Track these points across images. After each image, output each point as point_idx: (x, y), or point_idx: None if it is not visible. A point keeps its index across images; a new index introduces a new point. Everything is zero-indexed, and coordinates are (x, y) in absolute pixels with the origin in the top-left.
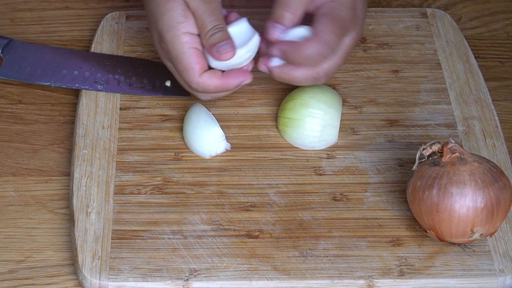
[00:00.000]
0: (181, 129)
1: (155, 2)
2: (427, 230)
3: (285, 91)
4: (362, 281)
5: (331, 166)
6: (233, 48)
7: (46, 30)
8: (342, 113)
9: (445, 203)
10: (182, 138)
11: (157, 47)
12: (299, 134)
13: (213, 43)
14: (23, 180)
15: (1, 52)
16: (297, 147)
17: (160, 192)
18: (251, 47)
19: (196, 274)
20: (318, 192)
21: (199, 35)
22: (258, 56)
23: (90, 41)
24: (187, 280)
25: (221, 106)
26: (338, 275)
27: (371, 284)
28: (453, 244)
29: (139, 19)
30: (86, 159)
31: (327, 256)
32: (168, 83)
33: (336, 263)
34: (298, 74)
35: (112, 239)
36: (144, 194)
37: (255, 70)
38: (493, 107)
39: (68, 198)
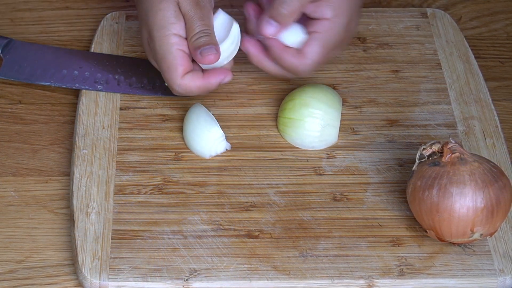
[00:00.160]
0: (181, 129)
1: (148, 0)
2: (427, 230)
3: (285, 91)
4: (362, 281)
5: (331, 166)
6: (217, 52)
7: (46, 30)
8: (342, 113)
9: (445, 203)
10: (182, 138)
11: (145, 45)
12: (299, 134)
13: (198, 45)
14: (23, 180)
15: (1, 52)
16: (297, 147)
17: (160, 192)
18: (233, 38)
19: (196, 274)
20: (318, 192)
21: (186, 38)
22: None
23: (90, 41)
24: (187, 280)
25: (221, 106)
26: (338, 275)
27: (371, 284)
28: (453, 244)
29: None
30: (86, 159)
31: (327, 256)
32: None
33: (336, 263)
34: (271, 69)
35: (112, 239)
36: (144, 194)
37: (255, 70)
38: (493, 107)
39: (68, 198)
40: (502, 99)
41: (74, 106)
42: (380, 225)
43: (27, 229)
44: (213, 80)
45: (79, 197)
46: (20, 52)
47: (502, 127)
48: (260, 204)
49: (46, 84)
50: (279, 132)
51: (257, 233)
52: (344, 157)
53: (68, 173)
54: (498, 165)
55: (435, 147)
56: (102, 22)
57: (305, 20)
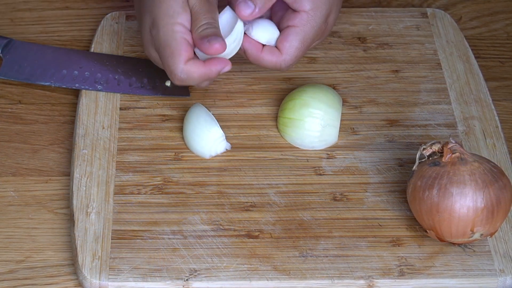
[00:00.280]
0: (181, 129)
1: None
2: (427, 230)
3: (285, 91)
4: (362, 281)
5: (331, 166)
6: (223, 43)
7: (46, 30)
8: (342, 113)
9: (445, 203)
10: (182, 138)
11: (145, 34)
12: (299, 134)
13: (205, 35)
14: (23, 180)
15: (1, 52)
16: (297, 147)
17: (160, 192)
18: (236, 35)
19: (196, 274)
20: (318, 192)
21: (191, 30)
22: None
23: (90, 41)
24: (187, 280)
25: (221, 106)
26: (338, 275)
27: (371, 284)
28: (453, 244)
29: None
30: (86, 159)
31: (327, 256)
32: (168, 83)
33: (336, 263)
34: (269, 65)
35: (112, 239)
36: (144, 194)
37: (255, 70)
38: (493, 107)
39: (68, 198)
40: (502, 99)
41: (74, 106)
42: (380, 225)
43: (27, 229)
44: (214, 68)
45: (79, 197)
46: (20, 52)
47: (502, 127)
48: (260, 204)
49: (46, 84)
50: (279, 132)
51: (257, 233)
52: (344, 157)
53: (68, 173)
54: (498, 165)
55: (435, 147)
56: (102, 22)
57: (282, 14)
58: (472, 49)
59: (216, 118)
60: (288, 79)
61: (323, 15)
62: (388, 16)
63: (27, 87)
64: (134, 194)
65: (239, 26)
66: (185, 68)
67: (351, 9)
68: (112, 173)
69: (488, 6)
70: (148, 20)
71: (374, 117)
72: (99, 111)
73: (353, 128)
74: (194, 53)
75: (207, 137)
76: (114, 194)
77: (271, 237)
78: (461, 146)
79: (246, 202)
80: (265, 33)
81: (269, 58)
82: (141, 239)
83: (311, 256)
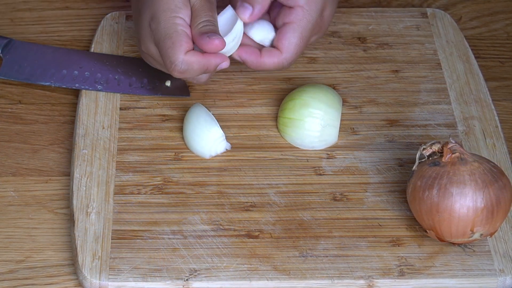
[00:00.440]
0: (181, 129)
1: None
2: (427, 230)
3: (285, 91)
4: (362, 281)
5: (331, 166)
6: (222, 40)
7: (46, 30)
8: (342, 113)
9: (445, 203)
10: (182, 138)
11: (144, 29)
12: (299, 134)
13: (204, 31)
14: (23, 180)
15: (1, 52)
16: (297, 147)
17: (160, 192)
18: (235, 34)
19: (196, 274)
20: (318, 192)
21: (190, 26)
22: None
23: (90, 41)
24: (187, 280)
25: (221, 106)
26: (338, 275)
27: (371, 284)
28: (453, 244)
29: None
30: (86, 159)
31: (327, 256)
32: (168, 83)
33: (336, 263)
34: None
35: (112, 239)
36: (144, 194)
37: (256, 70)
38: (493, 107)
39: (68, 198)
40: (502, 99)
41: (74, 106)
42: (380, 225)
43: (27, 229)
44: (213, 60)
45: (79, 197)
46: (20, 52)
47: (502, 127)
48: (260, 204)
49: (46, 84)
50: (279, 132)
51: (257, 233)
52: (344, 157)
53: (68, 173)
54: (498, 165)
55: (435, 147)
56: (102, 22)
57: (277, 12)
58: (472, 49)
59: (216, 118)
60: (288, 79)
61: (318, 9)
62: (388, 16)
63: (27, 87)
64: (134, 194)
65: (239, 25)
66: (185, 58)
67: (351, 9)
68: (112, 173)
69: (488, 6)
70: (147, 15)
71: (374, 117)
72: (99, 111)
73: (353, 128)
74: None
75: (207, 137)
76: (114, 194)
77: (271, 237)
78: (461, 146)
79: (246, 202)
80: (263, 32)
81: (270, 61)
82: (141, 239)
83: (311, 256)
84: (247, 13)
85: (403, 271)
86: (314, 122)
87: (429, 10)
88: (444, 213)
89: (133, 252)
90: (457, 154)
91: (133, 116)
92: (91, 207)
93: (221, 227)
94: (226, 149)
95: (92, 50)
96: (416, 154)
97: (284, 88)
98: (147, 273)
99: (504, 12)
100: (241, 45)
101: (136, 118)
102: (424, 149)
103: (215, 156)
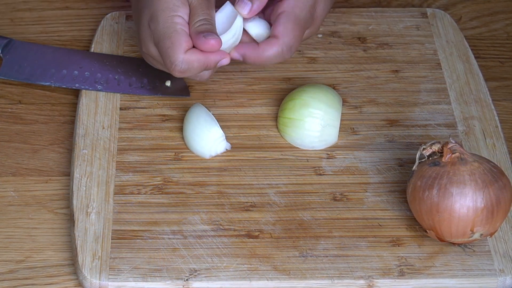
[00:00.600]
0: (181, 129)
1: None
2: (427, 230)
3: (285, 91)
4: (362, 281)
5: (331, 166)
6: (219, 40)
7: (46, 30)
8: (342, 113)
9: (445, 203)
10: (182, 138)
11: (143, 30)
12: (299, 134)
13: (201, 30)
14: (23, 180)
15: (1, 52)
16: (297, 147)
17: (160, 192)
18: (235, 31)
19: (196, 274)
20: (318, 192)
21: (188, 24)
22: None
23: (90, 41)
24: (187, 280)
25: (221, 106)
26: (338, 275)
27: (371, 284)
28: (453, 244)
29: None
30: (86, 159)
31: (327, 256)
32: (168, 83)
33: (336, 263)
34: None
35: (112, 239)
36: (144, 194)
37: (255, 70)
38: (493, 107)
39: (68, 198)
40: (502, 99)
41: (74, 106)
42: (380, 225)
43: (27, 229)
44: (213, 57)
45: (79, 197)
46: (20, 52)
47: (502, 127)
48: (260, 204)
49: (46, 84)
50: (279, 132)
51: (257, 233)
52: (344, 157)
53: (68, 173)
54: (498, 165)
55: (435, 147)
56: (102, 22)
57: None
58: (472, 49)
59: (216, 118)
60: (288, 79)
61: (310, 0)
62: (388, 16)
63: (27, 87)
64: (134, 194)
65: (239, 22)
66: (185, 58)
67: (351, 9)
68: (112, 173)
69: (488, 6)
70: (146, 15)
71: (374, 117)
72: (99, 111)
73: (353, 128)
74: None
75: (207, 137)
76: (114, 194)
77: (271, 237)
78: (461, 146)
79: (246, 202)
80: (259, 27)
81: (269, 50)
82: (141, 239)
83: (311, 256)
84: (246, 8)
85: (403, 271)
86: (314, 122)
87: (429, 10)
88: (444, 213)
89: (133, 252)
90: (457, 154)
91: (133, 116)
92: (91, 207)
93: (221, 227)
94: (226, 149)
95: (92, 50)
96: (416, 154)
97: (284, 88)
98: (147, 273)
99: (504, 12)
100: (239, 43)
101: (136, 118)
102: (424, 149)
103: (215, 156)
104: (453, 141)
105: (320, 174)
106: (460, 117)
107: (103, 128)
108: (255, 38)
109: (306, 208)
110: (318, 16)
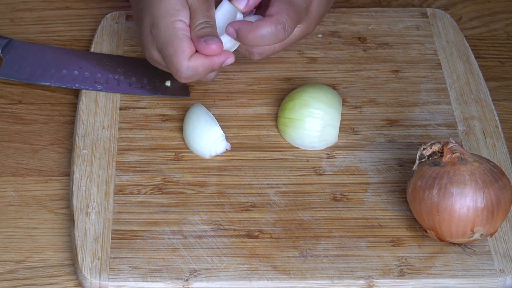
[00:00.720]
0: (181, 129)
1: None
2: (427, 230)
3: (285, 91)
4: (362, 281)
5: (331, 166)
6: (220, 43)
7: (46, 30)
8: (342, 113)
9: (445, 203)
10: (182, 138)
11: (146, 36)
12: (299, 134)
13: (202, 34)
14: (23, 180)
15: (1, 52)
16: (297, 147)
17: (160, 192)
18: None
19: (196, 274)
20: (318, 192)
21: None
22: None
23: (90, 41)
24: (187, 280)
25: (221, 106)
26: (338, 275)
27: (371, 284)
28: (453, 244)
29: None
30: (86, 159)
31: (327, 256)
32: (168, 83)
33: (336, 263)
34: (270, 39)
35: (112, 239)
36: (144, 194)
37: (255, 70)
38: (493, 107)
39: (68, 198)
40: (502, 99)
41: (74, 106)
42: (380, 225)
43: (27, 229)
44: (217, 60)
45: (79, 197)
46: (20, 52)
47: (502, 127)
48: (260, 204)
49: (46, 84)
50: (279, 132)
51: (257, 233)
52: (344, 157)
53: (68, 173)
54: (499, 165)
55: (435, 147)
56: (102, 22)
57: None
58: (472, 49)
59: (216, 118)
60: (288, 79)
61: None
62: (388, 16)
63: (27, 87)
64: (134, 194)
65: (240, 18)
66: (189, 64)
67: (351, 9)
68: (112, 173)
69: (488, 6)
70: (147, 20)
71: (374, 117)
72: (99, 111)
73: (353, 128)
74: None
75: (207, 137)
76: (114, 194)
77: (271, 237)
78: (461, 146)
79: (246, 202)
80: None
81: (263, 27)
82: (141, 239)
83: (311, 256)
84: (243, 2)
85: (403, 271)
86: (314, 122)
87: (429, 10)
88: (444, 213)
89: (133, 252)
90: (457, 154)
91: (133, 116)
92: (91, 207)
93: (221, 227)
94: (226, 149)
95: (92, 50)
96: (416, 154)
97: (284, 88)
98: (147, 273)
99: (504, 12)
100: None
101: (136, 118)
102: (424, 149)
103: (215, 156)
104: (453, 141)
105: (320, 174)
106: (460, 117)
107: (103, 128)
108: None
109: (306, 208)
110: (313, 12)
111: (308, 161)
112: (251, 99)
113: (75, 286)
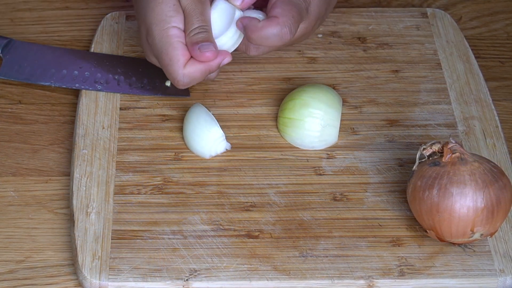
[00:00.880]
0: (181, 129)
1: None
2: (427, 230)
3: (285, 91)
4: (362, 281)
5: (331, 166)
6: (215, 50)
7: (46, 30)
8: (342, 113)
9: (445, 203)
10: (182, 138)
11: (144, 42)
12: (299, 134)
13: (196, 41)
14: (23, 180)
15: (1, 52)
16: (297, 147)
17: (160, 192)
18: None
19: (196, 274)
20: (318, 192)
21: (184, 32)
22: None
23: (90, 41)
24: (187, 280)
25: (221, 106)
26: (338, 275)
27: (371, 284)
28: (453, 244)
29: None
30: (86, 159)
31: (327, 256)
32: (168, 83)
33: (336, 263)
34: (275, 38)
35: (112, 239)
36: (144, 194)
37: (255, 70)
38: (493, 107)
39: (68, 198)
40: (502, 99)
41: (74, 106)
42: (380, 225)
43: (27, 229)
44: (213, 63)
45: (79, 197)
46: (20, 52)
47: (502, 127)
48: (260, 204)
49: (46, 84)
50: (279, 132)
51: (257, 233)
52: (344, 157)
53: (68, 173)
54: (499, 165)
55: (436, 147)
56: (102, 22)
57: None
58: (472, 49)
59: (216, 118)
60: (288, 79)
61: None
62: (388, 16)
63: (27, 87)
64: (134, 194)
65: (238, 15)
66: (185, 72)
67: (351, 9)
68: (112, 173)
69: (488, 6)
70: (143, 29)
71: (374, 117)
72: (99, 111)
73: (353, 128)
74: None
75: (207, 137)
76: (114, 194)
77: (271, 237)
78: (461, 146)
79: (246, 202)
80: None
81: (269, 27)
82: (141, 239)
83: (311, 256)
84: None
85: (403, 271)
86: (314, 122)
87: (429, 10)
88: (444, 213)
89: (133, 252)
90: (457, 154)
91: (133, 116)
92: (91, 207)
93: (221, 227)
94: (226, 149)
95: (92, 50)
96: (416, 154)
97: (284, 88)
98: (147, 273)
99: (504, 12)
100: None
101: (136, 118)
102: (424, 149)
103: (215, 156)
104: (453, 141)
105: (320, 174)
106: (460, 117)
107: (103, 128)
108: None
109: (306, 208)
110: (312, 12)
111: (308, 161)
112: (251, 99)
113: (75, 286)
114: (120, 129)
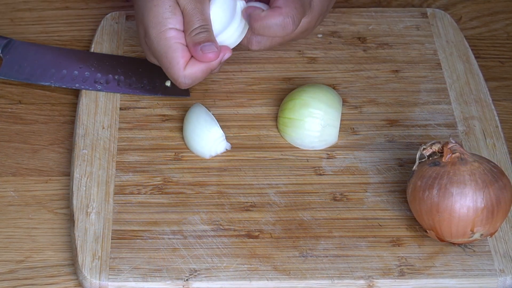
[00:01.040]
0: (181, 129)
1: None
2: (427, 230)
3: (285, 91)
4: (362, 281)
5: (331, 166)
6: (217, 49)
7: (46, 30)
8: (342, 113)
9: (445, 203)
10: (182, 138)
11: (142, 44)
12: (299, 134)
13: (197, 41)
14: (23, 180)
15: (1, 52)
16: (297, 147)
17: (160, 192)
18: (240, 17)
19: (196, 274)
20: (318, 192)
21: (184, 32)
22: None
23: (90, 41)
24: (187, 280)
25: (221, 106)
26: (338, 275)
27: (371, 284)
28: (453, 244)
29: None
30: (86, 159)
31: (327, 256)
32: (168, 83)
33: (336, 263)
34: (278, 29)
35: (112, 239)
36: (144, 194)
37: (255, 70)
38: (493, 107)
39: (68, 198)
40: (502, 99)
41: (74, 106)
42: (380, 225)
43: (27, 229)
44: (214, 61)
45: (79, 197)
46: (20, 52)
47: (502, 127)
48: (260, 204)
49: (46, 84)
50: (279, 132)
51: (257, 233)
52: (344, 157)
53: (68, 173)
54: (498, 165)
55: (435, 147)
56: (102, 22)
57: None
58: (472, 49)
59: (216, 118)
60: (288, 79)
61: None
62: (388, 16)
63: (27, 87)
64: (134, 194)
65: (243, 6)
66: (186, 74)
67: (351, 9)
68: (112, 173)
69: (488, 6)
70: (141, 31)
71: (374, 117)
72: (99, 111)
73: (353, 128)
74: None
75: (207, 137)
76: (114, 194)
77: (271, 237)
78: (461, 146)
79: (246, 202)
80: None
81: (273, 17)
82: (141, 239)
83: (311, 256)
84: None
85: (403, 271)
86: (314, 122)
87: (429, 10)
88: (444, 213)
89: (133, 252)
90: (457, 154)
91: (133, 116)
92: (91, 207)
93: (221, 227)
94: (226, 149)
95: (92, 50)
96: (416, 154)
97: (284, 88)
98: (147, 273)
99: (504, 12)
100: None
101: (136, 118)
102: (424, 149)
103: (215, 156)
104: (453, 141)
105: (320, 174)
106: (460, 117)
107: (103, 128)
108: None
109: (306, 208)
110: (315, 7)
111: (308, 161)
112: (251, 99)
113: (75, 286)
114: (120, 129)
